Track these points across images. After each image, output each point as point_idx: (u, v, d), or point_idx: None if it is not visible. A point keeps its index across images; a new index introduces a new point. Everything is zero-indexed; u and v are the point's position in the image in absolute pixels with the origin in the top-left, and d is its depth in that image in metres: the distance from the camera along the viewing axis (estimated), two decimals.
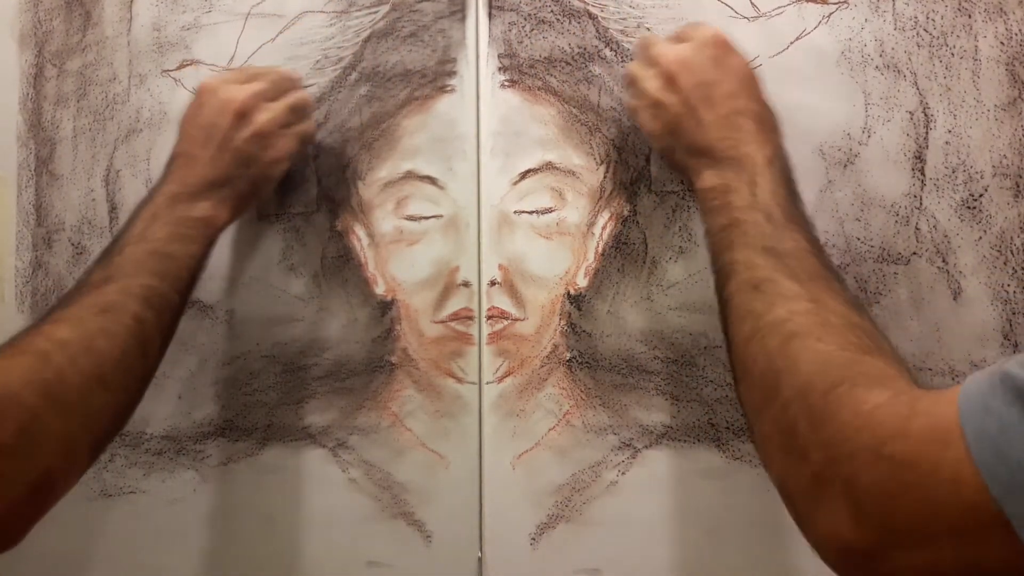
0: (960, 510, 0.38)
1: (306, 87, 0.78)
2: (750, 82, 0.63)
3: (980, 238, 0.67)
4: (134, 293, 0.61)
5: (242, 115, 0.69)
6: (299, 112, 0.73)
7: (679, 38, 0.66)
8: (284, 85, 0.73)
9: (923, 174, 0.68)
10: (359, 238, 0.77)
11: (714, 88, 0.62)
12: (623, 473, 0.72)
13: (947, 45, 0.68)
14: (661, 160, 0.72)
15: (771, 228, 0.57)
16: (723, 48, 0.64)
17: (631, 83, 0.68)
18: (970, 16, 0.68)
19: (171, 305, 0.64)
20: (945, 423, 0.40)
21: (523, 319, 0.74)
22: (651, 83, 0.65)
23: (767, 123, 0.62)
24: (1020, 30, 0.67)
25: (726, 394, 0.70)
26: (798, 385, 0.48)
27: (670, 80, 0.64)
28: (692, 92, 0.63)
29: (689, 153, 0.63)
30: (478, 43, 0.76)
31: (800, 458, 0.46)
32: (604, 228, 0.74)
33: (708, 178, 0.61)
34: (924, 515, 0.39)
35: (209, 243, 0.68)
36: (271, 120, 0.70)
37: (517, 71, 0.75)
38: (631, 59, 0.74)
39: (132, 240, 0.64)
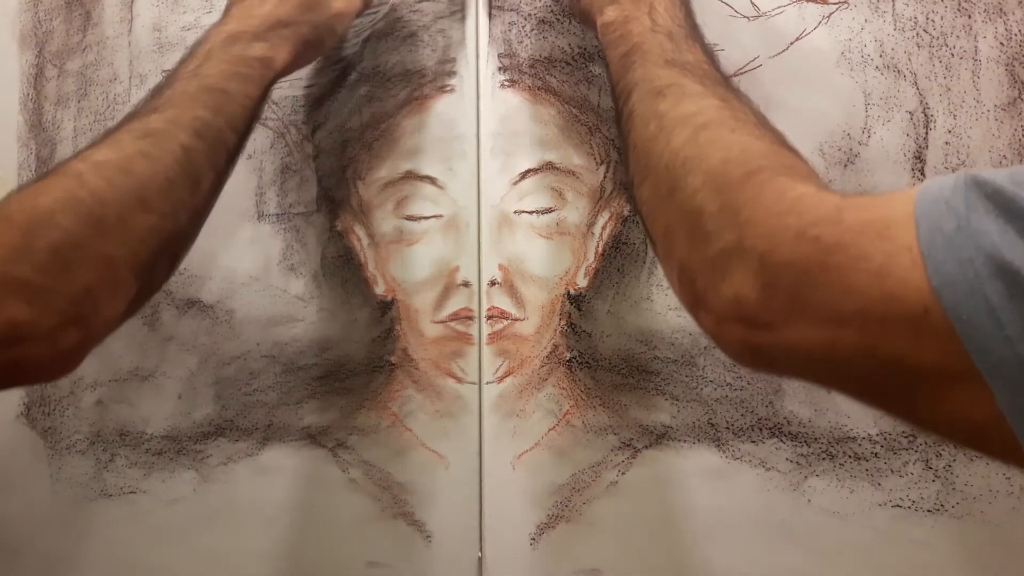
0: (882, 298, 0.37)
1: (307, 87, 0.78)
2: None
3: None
4: (183, 122, 0.57)
5: None
6: None
7: None
8: None
9: (923, 174, 0.68)
10: (359, 238, 0.77)
11: None
12: (623, 473, 0.72)
13: (947, 45, 0.68)
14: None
15: (672, 45, 0.56)
16: None
17: None
18: (970, 16, 0.68)
19: (224, 141, 0.60)
20: (885, 216, 0.39)
21: (523, 319, 0.74)
22: None
23: None
24: (1020, 30, 0.67)
25: (726, 394, 0.70)
26: (710, 170, 0.47)
27: None
28: None
29: None
30: (478, 43, 0.76)
31: (708, 238, 0.45)
32: (604, 228, 0.74)
33: (608, 13, 0.61)
34: (837, 294, 0.39)
35: (267, 85, 0.64)
36: None
37: (517, 71, 0.75)
38: None
39: (184, 76, 0.61)
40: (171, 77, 0.61)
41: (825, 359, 0.40)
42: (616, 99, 0.59)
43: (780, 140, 0.50)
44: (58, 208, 0.50)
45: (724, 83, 0.55)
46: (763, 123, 0.51)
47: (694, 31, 0.59)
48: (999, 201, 0.36)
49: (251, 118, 0.63)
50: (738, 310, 0.43)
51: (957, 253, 0.36)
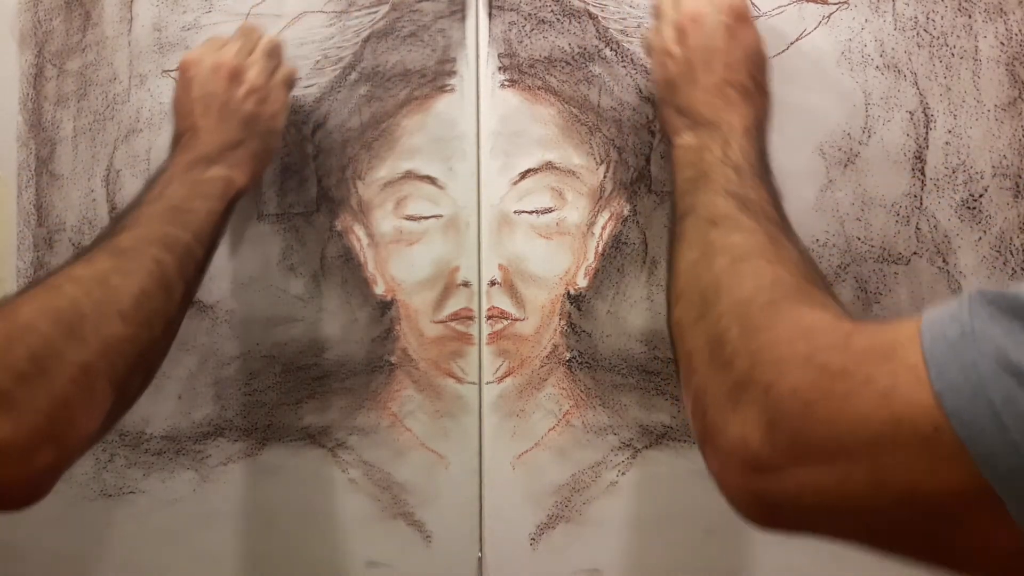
0: (890, 421, 0.36)
1: (307, 87, 0.78)
2: (754, 59, 0.63)
3: (980, 238, 0.67)
4: (152, 239, 0.60)
5: (235, 76, 0.69)
6: (276, 56, 0.73)
7: None
8: (253, 37, 0.73)
9: (923, 174, 0.68)
10: (359, 238, 0.77)
11: (716, 55, 0.62)
12: (623, 473, 0.72)
13: (947, 45, 0.68)
14: (662, 159, 0.72)
15: (738, 179, 0.56)
16: (739, 16, 0.64)
17: (655, 17, 0.68)
18: (970, 16, 0.68)
19: (193, 254, 0.62)
20: (892, 339, 0.38)
21: (523, 319, 0.74)
22: (667, 31, 0.65)
23: (755, 101, 0.62)
24: (1020, 30, 0.67)
25: None
26: (739, 298, 0.47)
27: (682, 33, 0.64)
28: (696, 52, 0.63)
29: (677, 111, 0.63)
30: (478, 43, 0.76)
31: (724, 367, 0.44)
32: (604, 228, 0.74)
33: (685, 137, 0.62)
34: (843, 425, 0.37)
35: (229, 203, 0.67)
36: (260, 73, 0.71)
37: (517, 71, 0.75)
38: (631, 60, 0.74)
39: (149, 200, 0.63)
40: (135, 201, 0.64)
41: (835, 502, 0.38)
42: (672, 218, 0.60)
43: (816, 276, 0.50)
44: (37, 316, 0.51)
45: (780, 224, 0.54)
46: (806, 261, 0.51)
47: (763, 171, 0.58)
48: (1004, 305, 0.35)
49: (217, 232, 0.65)
50: (743, 451, 0.41)
51: (961, 358, 0.34)
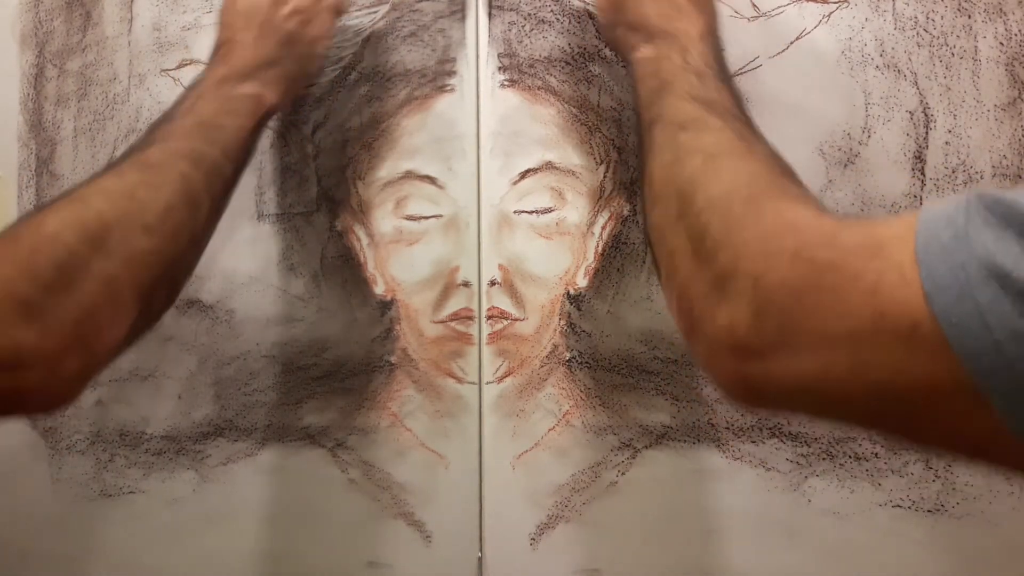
0: (873, 316, 0.37)
1: (307, 87, 0.78)
2: None
3: None
4: (181, 153, 0.60)
5: None
6: None
7: None
8: None
9: (923, 174, 0.68)
10: (359, 238, 0.77)
11: None
12: (623, 473, 0.72)
13: (947, 45, 0.68)
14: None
15: (700, 83, 0.57)
16: None
17: None
18: (970, 16, 0.68)
19: (220, 171, 0.62)
20: (882, 235, 0.39)
21: (523, 319, 0.74)
22: None
23: (704, 6, 0.63)
24: (1020, 30, 0.67)
25: None
26: (718, 193, 0.48)
27: None
28: None
29: (628, 28, 0.64)
30: (478, 43, 0.76)
31: (708, 260, 0.45)
32: (604, 228, 0.74)
33: (642, 50, 0.62)
34: (829, 317, 0.39)
35: (259, 120, 0.67)
36: None
37: (517, 71, 0.75)
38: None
39: (180, 114, 0.63)
40: (167, 114, 0.64)
41: (818, 387, 0.40)
42: (640, 130, 0.60)
43: (789, 172, 0.51)
44: (63, 228, 0.51)
45: (745, 121, 0.56)
46: (776, 157, 0.52)
47: (723, 73, 0.60)
48: (999, 210, 0.36)
49: (246, 149, 0.66)
50: (730, 338, 0.43)
51: (951, 260, 0.36)
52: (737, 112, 0.56)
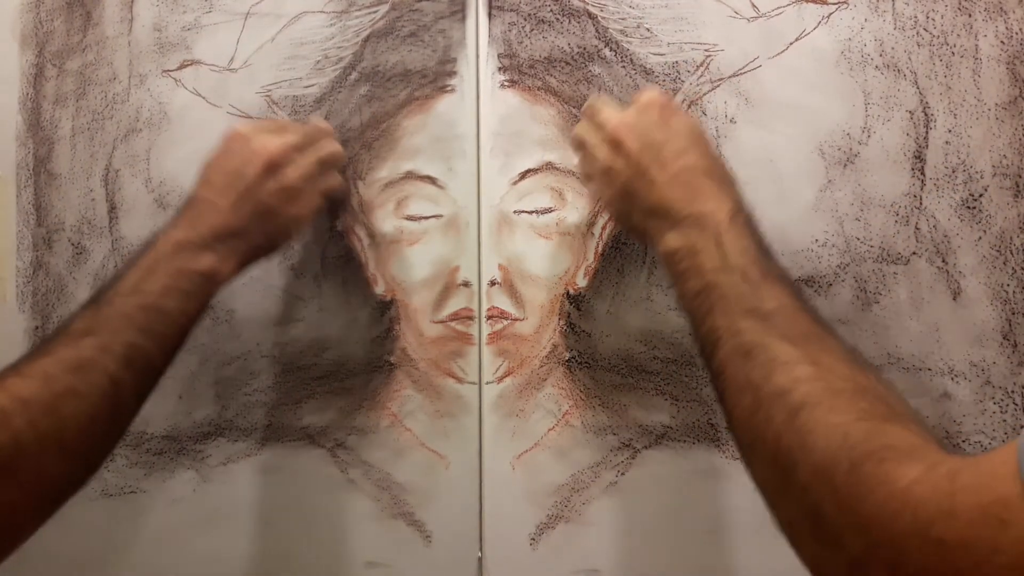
0: None
1: (307, 87, 0.78)
2: (698, 138, 0.61)
3: (980, 238, 0.67)
4: (114, 352, 0.57)
5: (273, 167, 0.66)
6: (328, 165, 0.71)
7: (624, 104, 0.65)
8: (316, 137, 0.70)
9: (923, 174, 0.68)
10: (359, 238, 0.77)
11: (662, 148, 0.60)
12: (622, 473, 0.72)
13: (947, 44, 0.68)
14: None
15: (749, 288, 0.53)
16: (666, 108, 0.62)
17: (579, 148, 0.67)
18: (970, 15, 0.68)
19: (153, 365, 0.60)
20: (998, 499, 0.37)
21: (523, 319, 0.74)
22: (599, 150, 0.64)
23: (722, 177, 0.60)
24: (1020, 29, 0.67)
25: None
26: (816, 465, 0.45)
27: (616, 145, 0.62)
28: (641, 154, 0.61)
29: (646, 215, 0.61)
30: (478, 43, 0.76)
31: (833, 545, 0.43)
32: (604, 228, 0.74)
33: (671, 240, 0.58)
34: None
35: (207, 299, 0.64)
36: (301, 176, 0.67)
37: (517, 71, 0.75)
38: (631, 60, 0.74)
39: (124, 292, 0.60)
40: (111, 288, 0.61)
41: None
42: (700, 343, 0.56)
43: (879, 406, 0.47)
44: None
45: (814, 331, 0.51)
46: (860, 386, 0.48)
47: (768, 263, 0.55)
48: None
49: (184, 335, 0.63)
50: None
51: None
52: (799, 318, 0.52)
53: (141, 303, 0.60)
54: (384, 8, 0.78)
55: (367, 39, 0.78)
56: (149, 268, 0.62)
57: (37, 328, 0.83)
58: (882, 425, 0.45)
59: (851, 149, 0.70)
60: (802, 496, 0.45)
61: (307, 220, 0.69)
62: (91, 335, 0.57)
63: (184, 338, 0.63)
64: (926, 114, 0.68)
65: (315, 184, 0.69)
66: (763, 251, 0.56)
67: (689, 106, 0.72)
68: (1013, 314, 0.65)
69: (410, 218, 0.76)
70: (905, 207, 0.69)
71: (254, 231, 0.66)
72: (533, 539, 0.72)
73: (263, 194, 0.65)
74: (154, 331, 0.59)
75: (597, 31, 0.75)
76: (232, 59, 0.80)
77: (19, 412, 0.51)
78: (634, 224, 0.63)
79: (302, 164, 0.68)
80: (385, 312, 0.76)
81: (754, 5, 0.71)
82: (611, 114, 0.64)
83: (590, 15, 0.75)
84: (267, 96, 0.79)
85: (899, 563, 0.40)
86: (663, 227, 0.59)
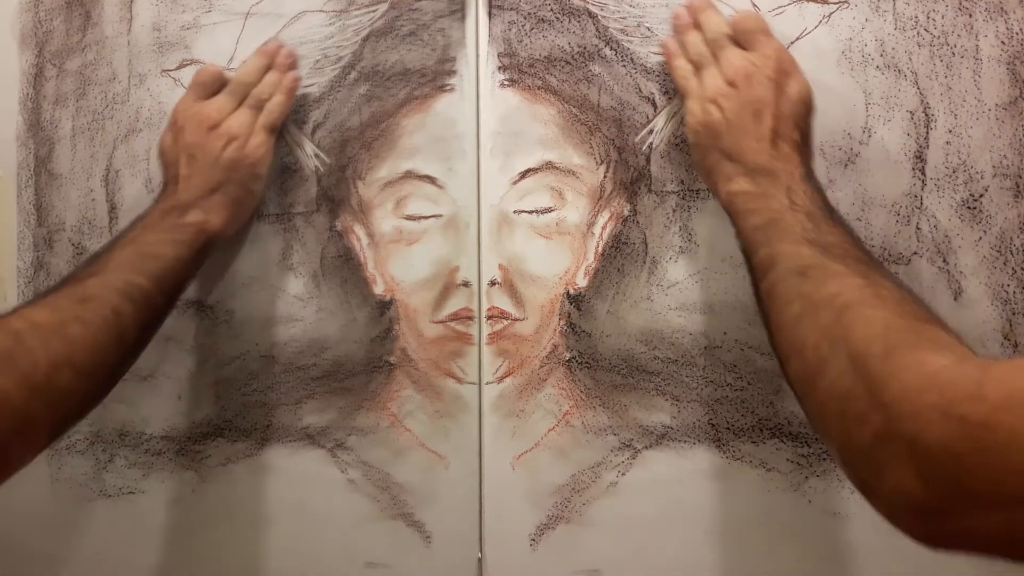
0: None
1: (307, 87, 0.78)
2: (802, 111, 0.64)
3: (980, 238, 0.66)
4: (115, 287, 0.63)
5: (215, 125, 0.73)
6: (262, 102, 0.75)
7: (744, 36, 0.67)
8: (240, 91, 0.75)
9: (923, 174, 0.68)
10: (359, 238, 0.77)
11: (766, 107, 0.63)
12: (623, 474, 0.72)
13: (948, 44, 0.68)
14: (662, 159, 0.72)
15: (812, 225, 0.57)
16: (787, 69, 0.65)
17: (694, 64, 0.68)
18: (971, 15, 0.68)
19: (153, 303, 0.65)
20: None
21: (523, 319, 0.74)
22: (712, 80, 0.66)
23: (804, 153, 0.63)
24: (1021, 29, 0.67)
25: (726, 394, 0.70)
26: (854, 351, 0.47)
27: (731, 85, 0.65)
28: (747, 105, 0.64)
29: (724, 156, 0.64)
30: (478, 42, 0.76)
31: (858, 422, 0.45)
32: (604, 228, 0.73)
33: (740, 183, 0.62)
34: (999, 479, 0.38)
35: (201, 249, 0.70)
36: (241, 123, 0.73)
37: (517, 70, 0.75)
38: (631, 59, 0.73)
39: (121, 243, 0.67)
40: (112, 242, 0.68)
41: (1007, 541, 0.39)
42: (752, 270, 0.60)
43: (921, 312, 0.50)
44: None
45: (866, 260, 0.55)
46: (905, 297, 0.51)
47: (833, 214, 0.60)
48: None
49: (182, 280, 0.70)
50: (905, 504, 0.42)
51: None
52: (855, 251, 0.56)
53: (138, 250, 0.67)
54: (383, 7, 0.77)
55: (366, 38, 0.78)
56: (143, 227, 0.69)
57: None
58: (919, 323, 0.48)
59: (852, 149, 0.70)
60: (837, 381, 0.47)
61: (264, 157, 0.74)
62: (93, 276, 0.63)
63: (182, 284, 0.70)
64: (927, 114, 0.68)
65: (256, 124, 0.74)
66: (828, 206, 0.60)
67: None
68: (1013, 314, 0.65)
69: (409, 218, 0.76)
70: (906, 207, 0.68)
71: (227, 182, 0.72)
72: (533, 539, 0.72)
73: (216, 151, 0.72)
74: (151, 272, 0.65)
75: (597, 30, 0.74)
76: (232, 59, 0.80)
77: (32, 332, 0.56)
78: (710, 163, 0.66)
79: (239, 114, 0.74)
80: (384, 312, 0.76)
81: (755, 5, 0.71)
82: (734, 54, 0.66)
83: (590, 14, 0.75)
84: None
85: (919, 438, 0.41)
86: (735, 171, 0.63)
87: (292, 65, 0.77)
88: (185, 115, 0.74)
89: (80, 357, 0.58)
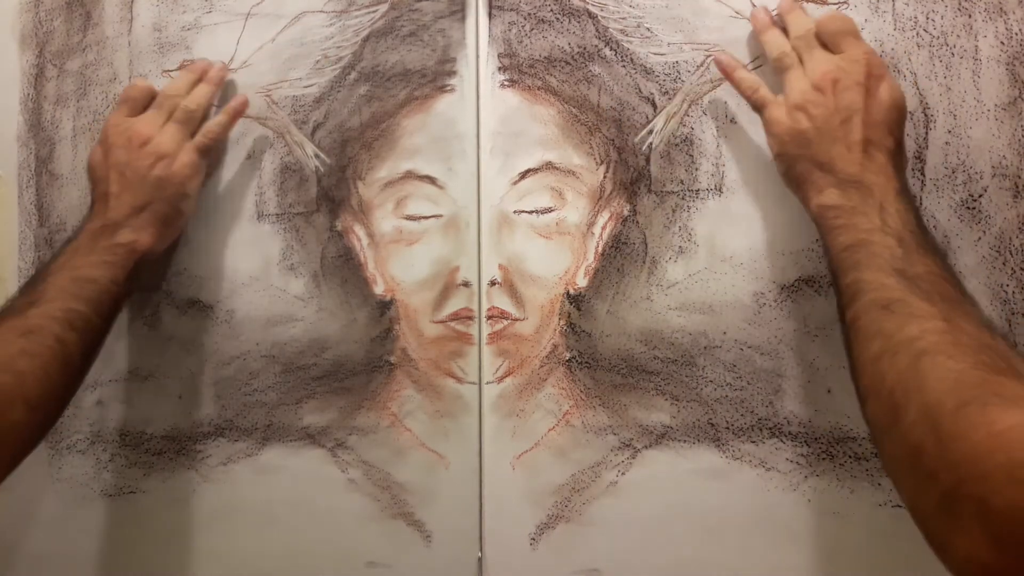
0: None
1: (307, 87, 0.78)
2: (894, 117, 0.62)
3: (979, 238, 0.66)
4: (55, 316, 0.64)
5: (145, 142, 0.73)
6: (194, 119, 0.76)
7: (831, 39, 0.64)
8: (168, 105, 0.76)
9: (923, 174, 0.68)
10: (359, 238, 0.77)
11: (856, 114, 0.61)
12: (623, 473, 0.72)
13: (947, 45, 0.68)
14: (661, 159, 0.72)
15: (902, 252, 0.55)
16: (877, 73, 0.62)
17: (780, 67, 0.66)
18: (970, 16, 0.68)
19: (93, 327, 0.67)
20: None
21: (523, 319, 0.74)
22: (800, 84, 0.64)
23: (898, 162, 0.61)
24: (1020, 29, 0.67)
25: (726, 394, 0.70)
26: (926, 403, 0.46)
27: (819, 91, 0.62)
28: (836, 112, 0.61)
29: (815, 165, 0.61)
30: (478, 43, 0.76)
31: (929, 479, 0.44)
32: (604, 228, 0.73)
33: (831, 195, 0.60)
34: None
35: (132, 269, 0.71)
36: (169, 140, 0.74)
37: (517, 71, 0.75)
38: (631, 59, 0.74)
39: (55, 270, 0.68)
40: (44, 268, 0.70)
41: None
42: (839, 294, 0.58)
43: (1000, 361, 0.48)
44: None
45: (952, 296, 0.53)
46: (985, 343, 0.50)
47: (925, 237, 0.57)
48: None
49: (118, 301, 0.70)
50: (975, 566, 0.41)
51: None
52: (943, 287, 0.54)
53: (72, 275, 0.68)
54: (383, 8, 0.78)
55: (367, 39, 0.78)
56: (74, 250, 0.70)
57: None
58: (995, 376, 0.46)
59: None
60: (908, 432, 0.47)
61: (192, 176, 0.74)
62: (34, 306, 0.65)
63: (118, 304, 0.71)
64: (926, 114, 0.68)
65: (185, 143, 0.74)
66: (921, 226, 0.58)
67: (689, 106, 0.72)
68: (1013, 314, 0.65)
69: (410, 218, 0.76)
70: None
71: (155, 200, 0.72)
72: (533, 539, 0.72)
73: (144, 169, 0.72)
74: (88, 297, 0.67)
75: (597, 31, 0.75)
76: (232, 59, 0.80)
77: None
78: (798, 172, 0.63)
79: (168, 130, 0.74)
80: (385, 312, 0.76)
81: (754, 4, 0.71)
82: (823, 57, 0.64)
83: (590, 15, 0.75)
84: (267, 96, 0.79)
85: (986, 500, 0.40)
86: (826, 182, 0.61)
87: (221, 80, 0.78)
88: (116, 131, 0.74)
89: (31, 390, 0.59)
